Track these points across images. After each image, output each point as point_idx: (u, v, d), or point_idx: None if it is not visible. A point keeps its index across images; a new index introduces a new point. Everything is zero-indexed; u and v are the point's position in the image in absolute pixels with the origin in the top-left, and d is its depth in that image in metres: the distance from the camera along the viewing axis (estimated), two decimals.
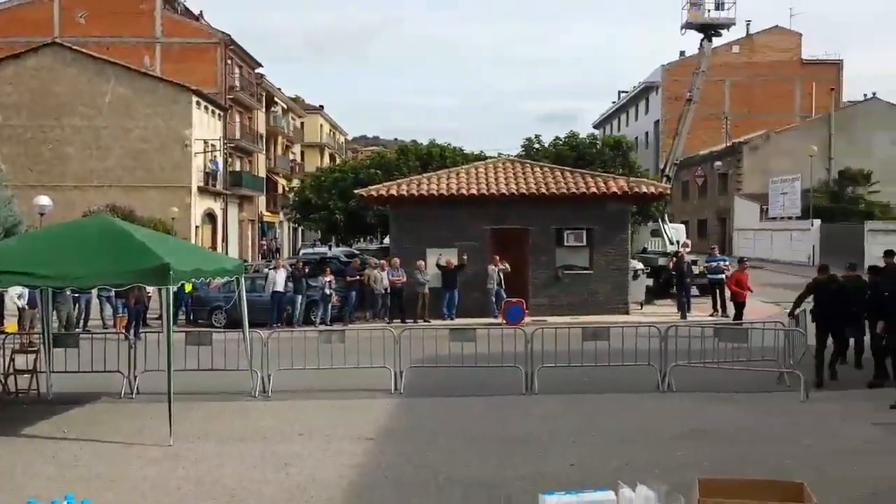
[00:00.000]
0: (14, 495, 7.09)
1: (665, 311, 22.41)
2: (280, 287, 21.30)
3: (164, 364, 9.51)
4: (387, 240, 29.81)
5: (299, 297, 21.45)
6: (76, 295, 19.21)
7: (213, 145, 42.35)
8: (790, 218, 39.64)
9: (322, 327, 18.26)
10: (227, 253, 40.91)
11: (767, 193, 42.70)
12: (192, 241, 35.96)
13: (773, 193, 41.94)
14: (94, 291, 19.68)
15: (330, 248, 37.27)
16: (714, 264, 22.38)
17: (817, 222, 36.75)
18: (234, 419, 10.41)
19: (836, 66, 57.76)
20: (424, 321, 20.39)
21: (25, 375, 12.18)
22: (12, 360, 12.41)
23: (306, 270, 22.42)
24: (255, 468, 8.12)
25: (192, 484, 7.62)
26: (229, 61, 47.03)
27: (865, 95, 50.45)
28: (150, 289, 18.18)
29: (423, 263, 21.46)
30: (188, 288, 20.71)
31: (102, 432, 9.71)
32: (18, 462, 8.43)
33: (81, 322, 19.99)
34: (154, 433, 9.45)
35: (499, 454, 8.38)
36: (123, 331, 17.49)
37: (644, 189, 22.89)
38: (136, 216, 32.20)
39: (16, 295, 17.78)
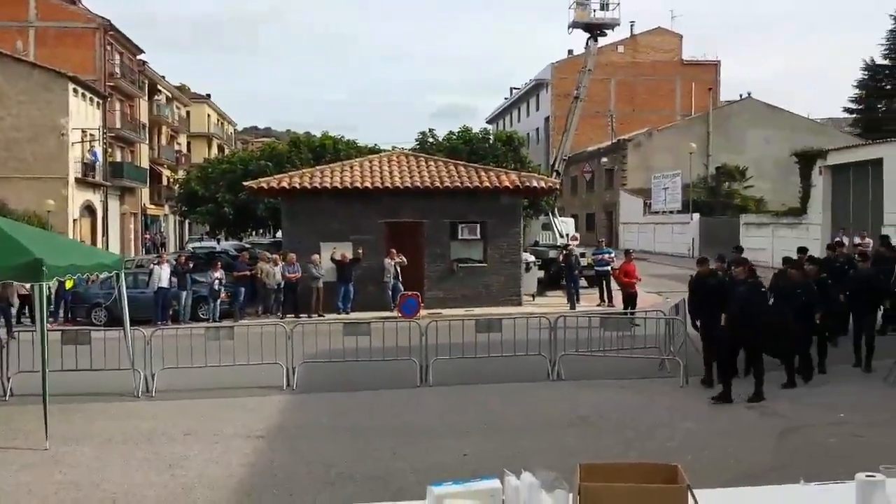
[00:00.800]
0: None
1: (556, 302, 23.02)
2: (164, 283, 20.55)
3: (39, 364, 9.00)
4: (279, 233, 29.27)
5: (184, 293, 20.74)
6: None
7: (91, 135, 40.26)
8: (671, 212, 41.48)
9: (210, 324, 17.73)
10: (108, 247, 39.04)
11: (650, 188, 44.51)
12: (70, 236, 34.15)
13: (656, 188, 43.75)
14: None
15: (219, 242, 36.22)
16: (600, 257, 23.13)
17: (696, 216, 38.61)
18: (116, 421, 9.97)
19: (714, 66, 60.77)
20: (319, 316, 20.14)
21: None
22: None
23: (190, 265, 21.68)
24: (137, 471, 7.81)
25: (70, 489, 7.25)
26: (109, 47, 44.80)
27: (741, 95, 53.31)
28: (26, 286, 17.12)
29: (318, 257, 21.19)
30: (69, 284, 19.66)
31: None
32: None
33: None
34: (29, 437, 8.94)
35: (392, 447, 8.38)
36: None
37: (535, 184, 23.41)
38: (9, 209, 30.29)
39: None
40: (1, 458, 8.31)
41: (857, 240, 21.60)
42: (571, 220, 34.96)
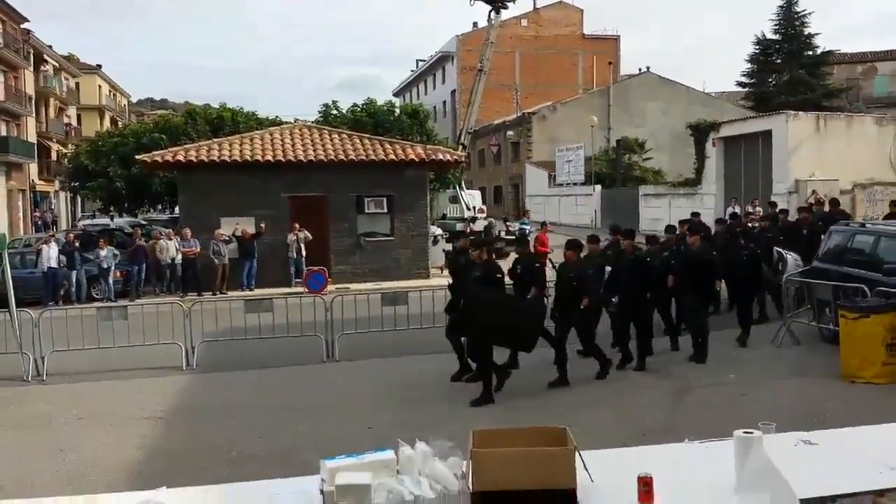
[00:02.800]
0: None
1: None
2: (53, 263, 19.54)
3: None
4: (177, 209, 28.30)
5: (74, 272, 19.80)
6: None
7: None
8: (575, 184, 42.39)
9: (102, 304, 17.02)
10: None
11: (555, 161, 45.33)
12: None
13: (560, 161, 44.57)
14: None
15: (112, 219, 34.71)
16: (521, 227, 23.88)
17: (598, 188, 39.59)
18: (4, 406, 9.47)
19: (615, 41, 62.10)
20: (221, 293, 19.64)
21: None
22: None
23: (76, 244, 20.68)
24: (27, 457, 7.44)
25: None
26: None
27: (640, 69, 54.72)
28: None
29: (223, 233, 20.61)
30: None
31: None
32: None
33: None
34: None
35: (297, 424, 8.29)
36: None
37: (441, 156, 23.40)
38: None
39: None
40: None
41: (748, 209, 22.68)
42: (478, 193, 35.24)
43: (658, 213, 31.37)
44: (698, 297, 10.53)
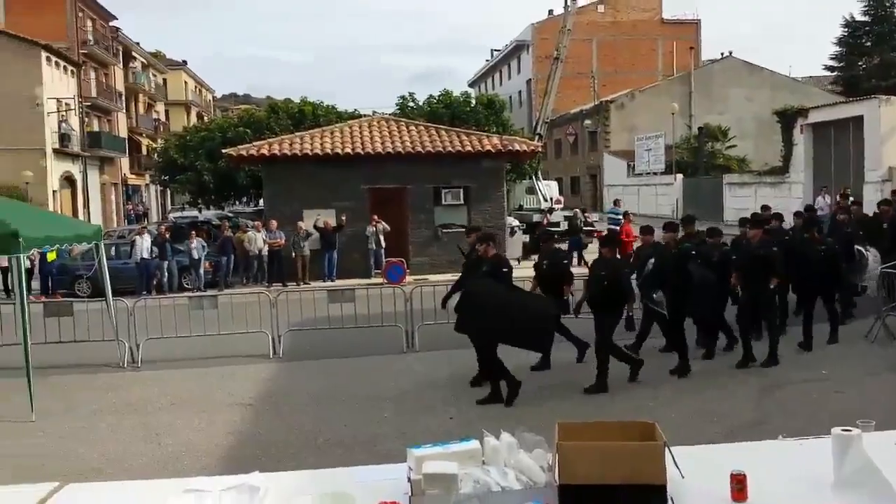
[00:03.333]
0: None
1: None
2: (146, 254, 20.40)
3: (21, 337, 8.96)
4: (262, 201, 29.08)
5: (166, 263, 20.61)
6: None
7: (67, 104, 39.59)
8: (655, 173, 41.54)
9: (193, 293, 17.67)
10: (89, 218, 38.64)
11: (634, 150, 44.50)
12: (51, 207, 33.75)
13: (639, 150, 43.74)
14: None
15: (201, 212, 35.92)
16: (612, 216, 23.65)
17: (680, 177, 38.68)
18: (102, 391, 9.96)
19: (695, 25, 60.41)
20: (304, 284, 20.11)
21: None
22: None
23: (167, 236, 21.50)
24: (124, 440, 7.82)
25: (57, 460, 7.26)
26: (80, 13, 43.87)
27: (722, 54, 53.14)
28: (4, 258, 16.92)
29: (303, 225, 21.10)
30: (51, 256, 19.46)
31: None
32: None
33: None
34: (15, 409, 8.91)
35: (380, 412, 8.44)
36: None
37: (517, 147, 23.32)
38: None
39: None
40: None
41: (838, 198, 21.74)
42: (555, 184, 34.94)
43: (744, 203, 30.43)
44: (759, 298, 9.74)
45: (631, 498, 2.50)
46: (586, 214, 25.11)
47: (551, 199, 29.49)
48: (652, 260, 9.97)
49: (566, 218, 26.04)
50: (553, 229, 25.79)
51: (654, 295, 9.76)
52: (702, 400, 8.46)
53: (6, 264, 17.66)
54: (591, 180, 51.91)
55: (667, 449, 2.59)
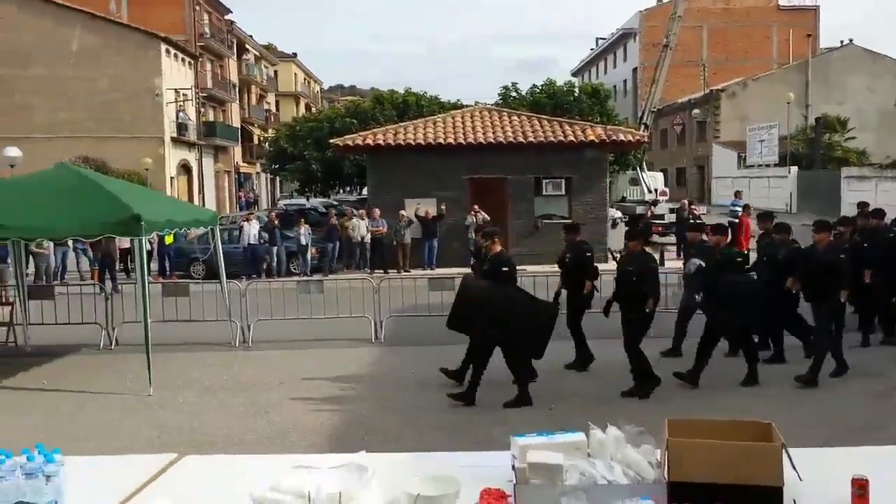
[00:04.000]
0: None
1: None
2: (253, 239, 21.17)
3: (141, 315, 9.49)
4: (365, 190, 29.69)
5: (275, 248, 21.35)
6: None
7: (184, 95, 41.53)
8: (768, 165, 39.87)
9: (301, 278, 18.24)
10: (204, 204, 40.48)
11: (745, 141, 42.84)
12: (168, 193, 35.51)
13: (751, 141, 42.08)
14: (70, 244, 19.45)
15: (308, 199, 37.02)
16: (733, 209, 22.85)
17: (794, 169, 37.00)
18: (215, 369, 10.44)
19: (814, 12, 57.47)
20: (405, 271, 20.43)
21: (2, 328, 12.08)
22: None
23: (276, 222, 22.25)
24: (235, 416, 8.18)
25: (172, 433, 7.67)
26: (198, 7, 45.83)
27: (842, 42, 50.36)
28: (126, 240, 17.90)
29: (405, 213, 21.43)
30: (168, 240, 20.51)
31: (82, 383, 9.70)
32: None
33: (59, 275, 19.78)
34: (134, 383, 9.47)
35: (478, 399, 8.48)
36: (99, 283, 17.33)
37: (622, 137, 22.87)
38: (109, 168, 31.68)
39: None
40: (108, 402, 8.85)
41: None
42: (660, 175, 34.13)
43: (863, 198, 28.78)
44: (820, 309, 8.92)
45: (746, 499, 2.43)
46: (693, 207, 24.35)
47: (656, 190, 28.82)
48: (695, 260, 9.56)
49: (672, 210, 25.38)
50: (657, 221, 25.31)
51: (697, 297, 9.42)
52: (810, 401, 8.10)
53: (127, 245, 18.69)
54: (698, 172, 50.33)
55: (784, 450, 2.50)
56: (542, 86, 33.01)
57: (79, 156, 32.23)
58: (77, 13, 38.06)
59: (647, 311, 8.56)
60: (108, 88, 38.04)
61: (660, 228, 26.29)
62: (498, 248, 9.00)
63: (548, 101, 31.30)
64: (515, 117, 24.02)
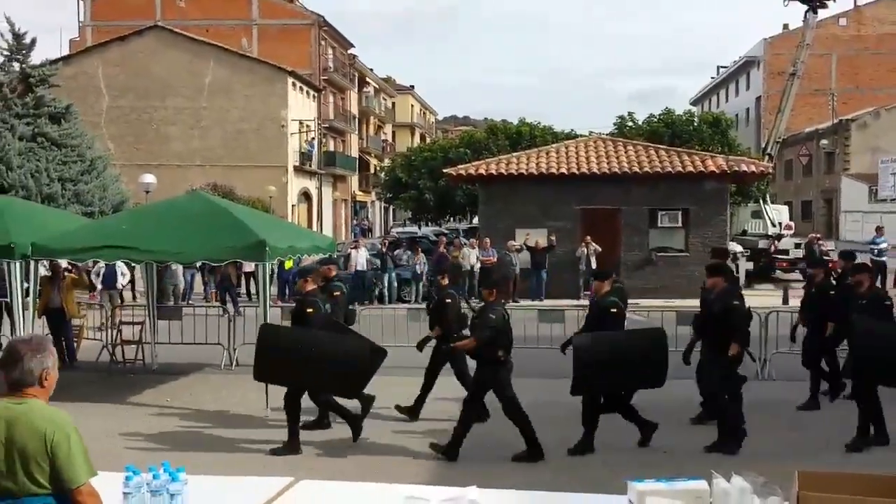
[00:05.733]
0: (116, 460, 7.50)
1: (766, 295, 21.59)
2: (360, 266, 21.58)
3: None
4: (476, 219, 29.88)
5: (386, 275, 21.73)
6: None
7: (307, 126, 43.26)
8: None
9: (411, 305, 18.47)
10: (322, 231, 41.86)
11: (877, 173, 40.43)
12: (289, 220, 36.91)
13: (884, 173, 39.68)
14: (197, 265, 20.45)
15: (420, 228, 37.62)
16: (877, 246, 21.36)
17: None
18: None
19: None
20: (513, 301, 20.33)
21: (132, 346, 12.81)
22: (119, 330, 13.07)
23: (384, 249, 22.65)
24: (344, 439, 8.28)
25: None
26: (323, 42, 47.78)
27: None
28: (250, 265, 18.64)
29: (514, 243, 21.39)
30: (288, 265, 21.25)
31: (204, 401, 10.13)
32: (122, 428, 8.88)
33: (185, 296, 20.85)
34: (251, 404, 9.79)
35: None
36: (221, 305, 18.14)
37: (744, 168, 22.08)
38: (236, 195, 33.27)
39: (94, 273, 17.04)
40: (227, 420, 9.20)
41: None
42: (785, 208, 32.63)
43: None
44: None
45: None
46: (820, 242, 23.11)
47: (780, 224, 27.54)
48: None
49: (797, 245, 24.20)
50: (781, 256, 24.18)
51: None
52: None
53: (250, 269, 19.49)
54: (825, 205, 47.84)
55: None
56: (659, 115, 32.37)
57: (209, 183, 34.05)
58: (212, 48, 40.47)
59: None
60: (237, 119, 40.13)
61: (784, 264, 25.10)
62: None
63: (665, 130, 30.62)
64: (631, 147, 23.63)
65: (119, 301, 17.18)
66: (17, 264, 10.02)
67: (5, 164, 23.54)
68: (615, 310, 8.17)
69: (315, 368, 7.69)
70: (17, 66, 25.88)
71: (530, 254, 21.31)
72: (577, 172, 21.87)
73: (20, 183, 23.28)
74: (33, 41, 26.15)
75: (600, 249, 21.18)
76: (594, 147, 23.75)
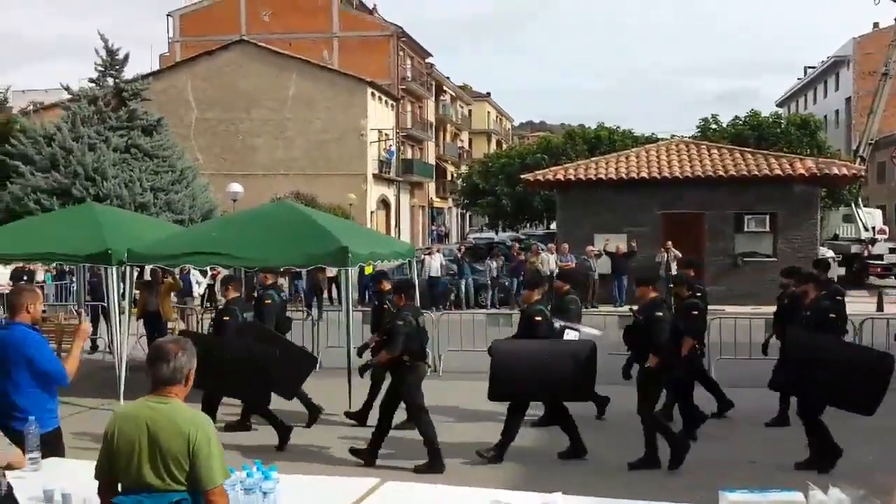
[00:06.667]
0: None
1: (859, 302, 20.68)
2: (434, 272, 21.69)
3: (344, 341, 10.03)
4: (553, 225, 29.71)
5: (463, 280, 21.80)
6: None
7: (386, 134, 43.88)
8: None
9: (489, 310, 18.50)
10: (400, 237, 42.35)
11: None
12: (368, 226, 37.51)
13: None
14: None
15: (496, 234, 37.64)
16: None
17: None
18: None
19: None
20: (592, 307, 20.10)
21: None
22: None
23: (459, 255, 22.73)
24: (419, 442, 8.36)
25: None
26: (401, 52, 48.40)
27: None
28: (332, 271, 19.01)
29: (592, 249, 21.16)
30: (368, 270, 21.59)
31: (291, 402, 10.34)
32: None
33: None
34: (336, 405, 9.98)
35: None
36: (307, 309, 18.55)
37: (835, 171, 21.27)
38: (318, 202, 34.00)
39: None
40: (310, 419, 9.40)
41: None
42: (878, 212, 31.21)
43: None
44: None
45: None
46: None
47: (873, 228, 26.39)
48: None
49: (892, 250, 23.14)
50: (875, 262, 23.19)
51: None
52: None
53: (332, 274, 19.85)
54: None
55: None
56: (744, 117, 31.52)
57: (292, 191, 34.92)
58: (295, 61, 41.53)
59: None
60: (319, 129, 41.04)
61: (879, 269, 24.06)
62: (403, 301, 8.26)
63: (751, 133, 29.81)
64: (715, 150, 23.08)
65: (197, 307, 17.72)
66: (114, 270, 10.48)
67: (101, 175, 24.73)
68: (539, 318, 8.03)
69: (217, 374, 7.69)
70: (111, 80, 27.18)
71: (611, 259, 21.03)
72: (658, 176, 21.49)
73: (115, 193, 24.42)
74: (126, 57, 27.46)
75: (681, 255, 20.71)
76: (676, 150, 23.28)
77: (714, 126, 31.89)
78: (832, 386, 7.09)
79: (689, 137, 28.47)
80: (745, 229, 21.39)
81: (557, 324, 8.40)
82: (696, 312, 8.87)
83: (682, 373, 8.10)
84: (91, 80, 27.10)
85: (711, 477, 6.61)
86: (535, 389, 7.76)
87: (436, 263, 21.94)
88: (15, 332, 5.02)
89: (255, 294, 11.19)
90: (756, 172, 21.05)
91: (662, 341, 7.46)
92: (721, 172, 21.24)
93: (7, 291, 8.62)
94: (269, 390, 8.39)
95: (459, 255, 22.80)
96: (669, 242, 20.75)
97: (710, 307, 17.58)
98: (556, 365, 7.61)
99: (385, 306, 9.33)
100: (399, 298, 8.07)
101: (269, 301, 9.77)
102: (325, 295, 21.90)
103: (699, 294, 9.37)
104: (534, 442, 8.54)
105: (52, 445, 4.95)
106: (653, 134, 34.90)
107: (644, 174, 21.69)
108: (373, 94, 42.25)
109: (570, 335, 8.17)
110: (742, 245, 21.44)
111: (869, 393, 6.98)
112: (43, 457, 4.63)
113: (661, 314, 7.59)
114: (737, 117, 31.85)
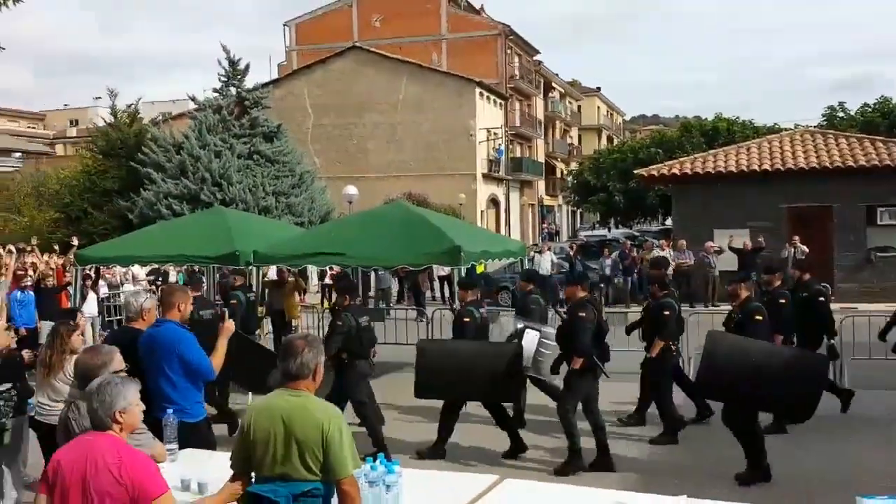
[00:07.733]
0: None
1: None
2: (545, 270, 21.49)
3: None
4: (668, 221, 28.91)
5: None
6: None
7: (495, 133, 43.95)
8: None
9: (607, 309, 18.18)
10: (510, 236, 42.34)
11: None
12: (478, 225, 37.69)
13: None
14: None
15: (609, 231, 37.01)
16: None
17: None
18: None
19: None
20: (712, 305, 19.45)
21: None
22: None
23: (570, 253, 22.44)
24: (555, 441, 8.33)
25: (476, 452, 8.02)
26: (509, 51, 48.33)
27: None
28: (445, 269, 19.24)
29: (712, 245, 20.47)
30: (479, 268, 21.71)
31: (394, 398, 10.55)
32: None
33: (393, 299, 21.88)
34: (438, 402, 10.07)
35: (814, 451, 7.77)
36: (418, 308, 18.86)
37: None
38: (429, 203, 34.46)
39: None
40: (424, 413, 9.51)
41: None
42: None
43: None
44: None
45: None
46: None
47: None
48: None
49: None
50: None
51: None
52: None
53: (444, 273, 20.09)
54: None
55: None
56: (874, 104, 29.68)
57: (404, 192, 35.52)
58: (406, 65, 42.26)
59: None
60: (429, 131, 41.59)
61: None
62: (348, 302, 8.16)
63: (882, 120, 28.02)
64: (843, 139, 21.85)
65: (317, 305, 18.35)
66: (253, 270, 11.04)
67: (227, 180, 25.99)
68: (468, 319, 8.13)
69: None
70: (233, 90, 28.50)
71: (737, 255, 20.25)
72: (782, 168, 20.54)
73: (240, 197, 25.60)
74: (247, 67, 28.73)
75: (807, 250, 19.73)
76: (801, 140, 22.20)
77: (841, 114, 30.19)
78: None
79: (814, 127, 27.06)
80: (878, 222, 20.16)
81: (519, 324, 8.37)
82: (667, 312, 8.67)
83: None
84: (215, 90, 28.49)
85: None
86: (458, 388, 7.85)
87: (546, 261, 21.79)
88: (167, 331, 5.38)
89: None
90: (889, 162, 19.80)
91: (585, 341, 7.35)
92: (850, 162, 20.09)
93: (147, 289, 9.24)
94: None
95: (572, 253, 22.54)
96: (796, 237, 19.80)
97: (841, 305, 16.72)
98: (480, 365, 7.69)
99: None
100: (344, 299, 8.25)
101: (235, 301, 10.57)
102: (429, 294, 22.19)
103: (668, 293, 9.14)
104: (644, 454, 8.36)
105: (203, 433, 5.32)
106: (775, 124, 33.42)
107: (766, 166, 20.78)
108: (481, 94, 42.40)
109: (530, 335, 8.03)
110: (875, 239, 20.22)
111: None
112: (196, 444, 4.95)
113: (583, 314, 7.44)
114: (865, 104, 30.07)
